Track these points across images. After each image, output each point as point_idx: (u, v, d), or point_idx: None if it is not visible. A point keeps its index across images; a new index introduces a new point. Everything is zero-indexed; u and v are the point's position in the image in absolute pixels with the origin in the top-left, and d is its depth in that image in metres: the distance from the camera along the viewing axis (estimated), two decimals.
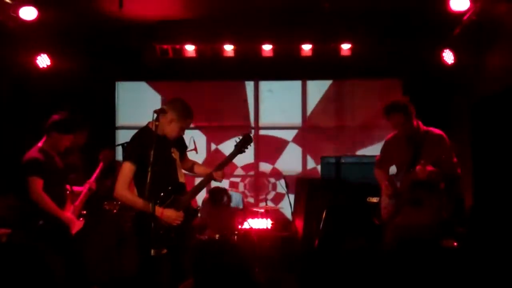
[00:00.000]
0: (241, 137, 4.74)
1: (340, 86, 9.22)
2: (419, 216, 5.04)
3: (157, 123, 4.39)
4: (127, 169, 4.49)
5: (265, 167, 9.25)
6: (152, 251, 4.18)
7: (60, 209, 5.52)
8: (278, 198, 9.00)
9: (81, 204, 5.85)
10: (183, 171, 4.88)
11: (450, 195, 5.25)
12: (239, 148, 4.70)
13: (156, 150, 4.31)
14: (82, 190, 5.92)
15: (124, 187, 4.49)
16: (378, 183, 5.49)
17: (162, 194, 4.45)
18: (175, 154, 4.71)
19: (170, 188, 4.53)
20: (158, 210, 4.38)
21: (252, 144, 4.77)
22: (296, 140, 9.25)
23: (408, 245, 5.01)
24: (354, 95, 9.18)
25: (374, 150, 7.45)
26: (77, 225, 5.71)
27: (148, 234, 4.29)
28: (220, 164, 4.75)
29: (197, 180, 5.66)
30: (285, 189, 7.49)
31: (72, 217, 5.65)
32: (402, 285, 4.95)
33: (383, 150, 5.54)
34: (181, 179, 4.70)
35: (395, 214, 5.17)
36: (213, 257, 6.47)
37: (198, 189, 4.77)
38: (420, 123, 5.23)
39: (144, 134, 4.60)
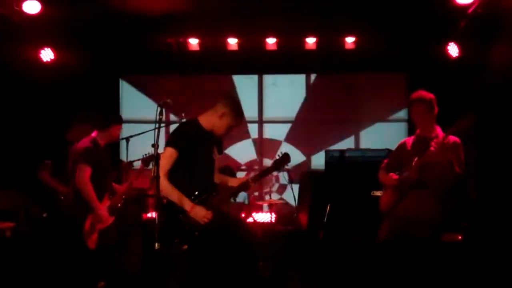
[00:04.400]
0: (280, 155, 4.75)
1: (344, 80, 9.21)
2: (420, 209, 5.00)
3: (161, 116, 4.32)
4: (169, 154, 4.43)
5: (266, 162, 9.27)
6: (166, 244, 4.16)
7: (99, 201, 5.58)
8: (281, 189, 9.04)
9: (119, 200, 5.91)
10: None
11: (453, 194, 5.19)
12: (278, 166, 4.74)
13: (201, 144, 4.37)
14: (121, 188, 5.97)
15: (163, 173, 4.35)
16: (382, 183, 5.40)
17: (197, 191, 4.41)
18: (215, 155, 4.67)
19: (205, 186, 4.49)
20: (189, 205, 4.38)
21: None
22: (297, 133, 9.28)
23: (405, 242, 5.00)
24: (358, 88, 9.17)
25: (379, 143, 7.42)
26: (108, 221, 5.71)
27: (172, 226, 4.32)
28: (257, 176, 4.76)
29: None
30: (288, 182, 7.48)
31: (106, 213, 5.67)
32: (401, 278, 4.96)
33: (394, 155, 5.40)
34: (216, 180, 4.68)
35: (396, 203, 5.11)
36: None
37: (230, 194, 4.74)
38: (438, 128, 5.16)
39: (192, 126, 4.57)
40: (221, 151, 4.91)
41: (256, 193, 9.12)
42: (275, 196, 8.83)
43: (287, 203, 8.38)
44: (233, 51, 8.35)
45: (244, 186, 4.67)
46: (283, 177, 7.82)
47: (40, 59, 7.73)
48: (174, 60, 8.64)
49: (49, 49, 7.76)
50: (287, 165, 4.75)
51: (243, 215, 7.17)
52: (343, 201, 6.86)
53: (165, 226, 4.42)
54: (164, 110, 4.38)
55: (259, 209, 8.04)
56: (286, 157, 4.72)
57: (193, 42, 8.28)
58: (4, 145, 7.60)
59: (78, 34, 7.70)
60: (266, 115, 9.31)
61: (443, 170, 4.87)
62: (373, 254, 5.37)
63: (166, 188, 4.42)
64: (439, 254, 5.04)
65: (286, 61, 8.75)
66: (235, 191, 4.71)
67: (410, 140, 5.31)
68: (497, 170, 6.75)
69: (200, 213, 4.40)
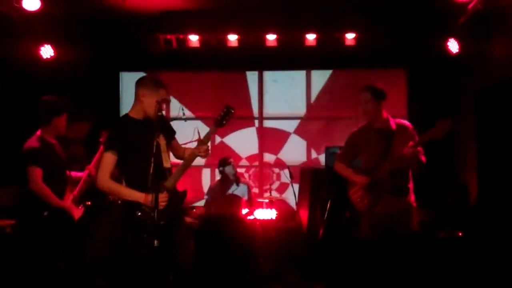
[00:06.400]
0: (223, 111, 4.52)
1: (344, 76, 9.20)
2: (399, 203, 5.14)
3: (160, 113, 4.33)
4: (108, 159, 4.40)
5: (268, 157, 9.27)
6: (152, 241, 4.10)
7: (59, 198, 5.45)
8: (282, 187, 9.01)
9: (81, 191, 5.76)
10: (176, 159, 4.82)
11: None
12: (220, 121, 4.50)
13: (138, 137, 4.31)
14: (82, 176, 5.87)
15: (106, 177, 4.39)
16: (345, 176, 5.48)
17: (145, 181, 4.23)
18: (160, 139, 4.49)
19: (156, 175, 4.27)
20: (141, 196, 4.31)
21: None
22: (299, 130, 9.26)
23: (388, 236, 5.08)
24: (358, 85, 9.15)
25: None
26: (76, 213, 5.62)
27: (135, 224, 4.26)
28: (202, 140, 4.53)
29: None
30: (289, 179, 7.47)
31: (71, 206, 5.58)
32: (398, 276, 5.00)
33: (349, 143, 5.51)
34: (166, 164, 4.57)
35: (374, 204, 5.19)
36: (218, 233, 6.52)
37: (182, 169, 4.57)
38: (389, 116, 5.29)
39: (123, 122, 4.53)
40: (171, 132, 4.75)
41: (256, 190, 9.13)
42: (275, 195, 8.84)
43: (287, 199, 8.37)
44: (233, 48, 8.34)
45: (193, 155, 4.53)
46: (285, 175, 7.78)
47: (40, 56, 7.72)
48: (174, 57, 8.65)
49: (49, 46, 7.75)
50: (230, 117, 4.50)
51: (243, 212, 7.17)
52: (344, 198, 6.86)
53: (127, 226, 4.43)
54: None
55: (260, 205, 8.03)
56: (227, 110, 4.50)
57: (193, 38, 8.27)
58: (4, 142, 7.59)
59: (78, 31, 7.69)
60: (266, 111, 9.30)
61: (411, 168, 5.17)
62: (372, 251, 5.38)
63: (113, 188, 4.43)
64: (432, 249, 5.12)
65: (286, 58, 8.75)
66: (185, 165, 4.57)
67: (361, 130, 5.44)
68: (497, 167, 6.75)
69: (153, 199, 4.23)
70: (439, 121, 4.75)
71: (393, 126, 5.23)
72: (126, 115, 4.57)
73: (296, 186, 7.63)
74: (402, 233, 5.15)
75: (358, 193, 5.33)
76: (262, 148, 9.26)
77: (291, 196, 7.71)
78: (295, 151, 9.23)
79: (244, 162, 9.23)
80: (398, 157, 4.99)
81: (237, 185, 7.54)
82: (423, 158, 5.10)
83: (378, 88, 5.29)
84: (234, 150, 9.18)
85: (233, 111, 4.51)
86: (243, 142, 9.22)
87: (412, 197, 5.26)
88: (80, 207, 5.71)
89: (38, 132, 5.56)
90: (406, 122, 5.33)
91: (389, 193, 5.12)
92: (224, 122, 4.51)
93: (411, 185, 5.26)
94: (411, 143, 4.99)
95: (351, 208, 5.45)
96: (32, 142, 5.47)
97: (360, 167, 5.43)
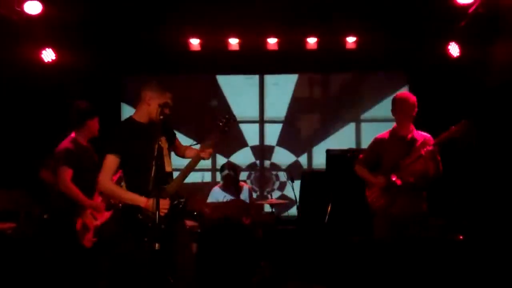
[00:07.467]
0: (224, 119, 4.48)
1: (345, 79, 9.20)
2: (413, 205, 5.28)
3: (161, 117, 4.33)
4: (110, 161, 4.38)
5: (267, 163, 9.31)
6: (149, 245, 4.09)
7: (88, 198, 5.54)
8: (281, 187, 9.07)
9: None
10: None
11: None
12: (223, 129, 4.47)
13: (140, 139, 4.31)
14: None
15: (107, 179, 4.39)
16: (363, 178, 5.59)
17: (147, 185, 4.20)
18: (162, 143, 4.50)
19: (158, 179, 4.22)
20: (143, 201, 4.29)
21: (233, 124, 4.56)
22: (297, 132, 9.31)
23: (407, 241, 5.14)
24: (359, 88, 9.17)
25: None
26: (104, 215, 5.69)
27: (135, 227, 4.26)
28: (206, 144, 4.52)
29: None
30: (290, 182, 7.47)
31: (101, 206, 5.65)
32: (402, 277, 5.02)
33: (372, 150, 5.60)
34: (168, 168, 4.52)
35: (390, 204, 5.29)
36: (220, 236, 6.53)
37: (185, 172, 4.54)
38: (414, 127, 5.40)
39: (126, 125, 4.53)
40: (173, 135, 4.75)
41: (257, 193, 9.13)
42: (276, 194, 8.84)
43: (288, 203, 8.36)
44: (234, 51, 8.35)
45: (197, 158, 4.51)
46: (284, 174, 7.76)
47: (41, 60, 7.73)
48: (175, 60, 8.66)
49: (50, 49, 7.75)
50: (231, 124, 4.50)
51: (244, 215, 7.16)
52: (344, 201, 6.87)
53: (128, 230, 4.41)
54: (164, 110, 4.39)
55: (260, 208, 8.02)
56: (230, 118, 4.50)
57: (194, 42, 8.28)
58: (6, 145, 7.61)
59: (79, 34, 7.70)
60: (267, 115, 9.31)
61: (430, 174, 5.23)
62: (373, 253, 5.40)
63: (114, 191, 4.46)
64: (442, 252, 5.15)
65: (287, 61, 8.76)
66: (188, 167, 4.53)
67: (385, 136, 5.52)
68: (497, 169, 6.75)
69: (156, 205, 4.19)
70: (460, 123, 4.96)
71: (416, 136, 5.35)
72: (130, 117, 4.55)
73: (296, 189, 7.60)
74: (415, 235, 5.25)
75: (375, 194, 5.43)
76: (263, 151, 9.28)
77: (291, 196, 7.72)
78: (289, 154, 9.25)
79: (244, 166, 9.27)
80: (417, 158, 5.15)
81: (238, 194, 7.50)
82: (439, 157, 5.24)
83: (415, 101, 5.41)
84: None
85: (234, 120, 4.53)
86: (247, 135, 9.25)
87: (425, 203, 5.38)
88: (108, 211, 5.75)
89: (73, 134, 5.68)
90: (427, 135, 5.40)
91: (406, 194, 5.22)
92: (226, 129, 4.49)
93: (424, 192, 5.39)
94: (432, 141, 5.17)
95: (366, 209, 5.51)
96: (66, 143, 5.59)
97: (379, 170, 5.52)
